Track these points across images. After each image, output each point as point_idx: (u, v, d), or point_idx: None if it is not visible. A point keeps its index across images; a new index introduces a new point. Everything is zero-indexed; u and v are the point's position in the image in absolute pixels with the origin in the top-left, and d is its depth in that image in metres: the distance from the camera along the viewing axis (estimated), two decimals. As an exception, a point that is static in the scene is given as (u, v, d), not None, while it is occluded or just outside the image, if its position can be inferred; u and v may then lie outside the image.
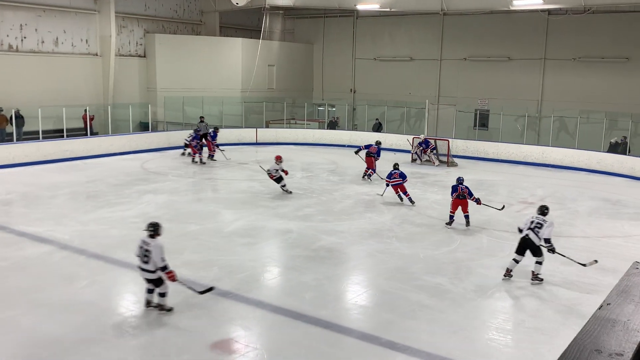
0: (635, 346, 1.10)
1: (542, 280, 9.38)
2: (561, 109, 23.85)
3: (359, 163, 18.64)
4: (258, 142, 25.72)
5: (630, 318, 1.20)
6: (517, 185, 17.94)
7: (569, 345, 1.13)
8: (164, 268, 7.66)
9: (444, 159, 21.68)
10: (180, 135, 24.30)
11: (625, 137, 21.40)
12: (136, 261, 7.92)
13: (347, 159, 21.98)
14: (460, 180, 12.71)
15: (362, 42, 30.56)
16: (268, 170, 15.55)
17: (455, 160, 21.60)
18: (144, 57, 26.72)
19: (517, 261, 9.42)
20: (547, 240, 9.24)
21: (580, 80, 24.79)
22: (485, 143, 23.54)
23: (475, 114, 26.04)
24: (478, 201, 12.74)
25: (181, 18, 28.25)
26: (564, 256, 9.65)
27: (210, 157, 20.89)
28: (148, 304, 8.02)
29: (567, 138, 23.42)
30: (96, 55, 24.69)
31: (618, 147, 21.24)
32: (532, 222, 9.39)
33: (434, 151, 21.71)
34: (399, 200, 14.69)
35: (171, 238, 11.30)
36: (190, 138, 20.51)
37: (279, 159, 15.64)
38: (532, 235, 9.26)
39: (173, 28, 27.98)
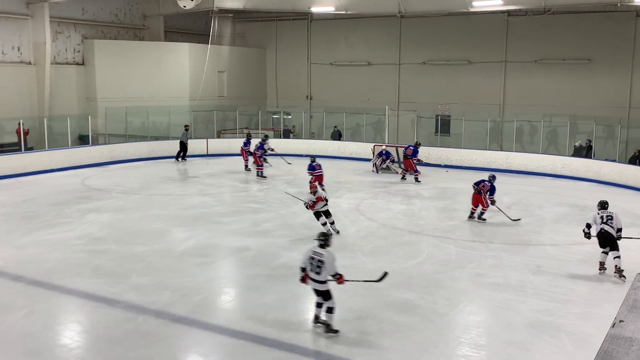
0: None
1: (624, 277, 10.17)
2: (524, 113, 24.47)
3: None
4: (209, 153, 25.45)
5: (647, 336, 1.18)
6: (483, 192, 18.22)
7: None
8: (335, 275, 7.90)
9: (393, 166, 21.88)
10: (124, 148, 23.86)
11: (589, 141, 22.08)
12: (83, 286, 7.65)
13: (306, 170, 21.93)
14: (491, 178, 14.15)
15: (318, 47, 30.71)
16: (305, 202, 12.94)
17: (418, 167, 21.82)
18: (83, 65, 26.13)
19: (606, 253, 10.48)
20: (620, 230, 10.43)
21: (542, 83, 25.50)
22: (448, 150, 23.92)
23: (437, 120, 26.46)
24: (493, 202, 13.98)
25: (122, 22, 27.78)
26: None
27: (259, 173, 20.48)
28: (316, 319, 8.13)
29: (531, 143, 24.03)
30: (30, 63, 24.00)
31: (583, 151, 21.91)
32: (601, 217, 10.53)
33: (394, 162, 21.89)
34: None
35: (117, 260, 11.05)
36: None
37: (313, 187, 13.27)
38: (607, 228, 10.37)
39: (114, 33, 27.48)
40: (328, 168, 22.30)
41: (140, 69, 26.51)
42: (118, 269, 10.59)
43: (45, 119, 22.17)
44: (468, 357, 7.51)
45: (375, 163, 21.95)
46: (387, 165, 21.71)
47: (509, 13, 25.30)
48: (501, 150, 24.00)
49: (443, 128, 26.44)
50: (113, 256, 11.33)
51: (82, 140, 24.31)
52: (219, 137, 26.89)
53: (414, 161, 20.02)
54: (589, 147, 21.91)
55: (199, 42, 28.85)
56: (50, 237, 12.65)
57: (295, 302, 9.27)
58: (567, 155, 21.89)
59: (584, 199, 17.28)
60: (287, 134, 27.67)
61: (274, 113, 30.50)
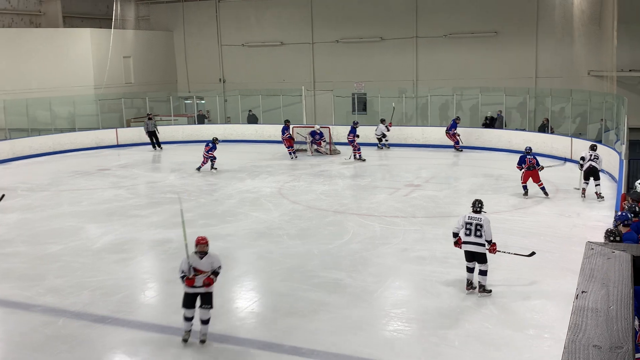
0: (630, 334, 1.12)
1: (602, 197, 13.51)
2: (436, 87, 25.15)
3: (237, 158, 18.43)
4: (119, 144, 24.58)
5: (610, 305, 1.23)
6: (401, 168, 18.68)
7: (566, 345, 1.13)
8: (490, 241, 8.42)
9: (326, 147, 22.02)
10: (27, 143, 22.66)
11: (500, 112, 23.04)
12: None
13: (223, 155, 21.67)
14: (528, 150, 14.21)
15: (228, 28, 30.21)
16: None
17: (338, 147, 22.04)
18: (-27, 55, 24.51)
19: (587, 183, 13.67)
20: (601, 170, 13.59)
21: (453, 57, 26.27)
22: (366, 128, 24.21)
23: (353, 99, 26.73)
24: (542, 167, 14.24)
25: (16, 9, 26.19)
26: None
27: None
28: (469, 284, 8.56)
29: (445, 117, 24.75)
30: None
31: (494, 122, 22.84)
32: (591, 156, 13.61)
33: (326, 142, 21.85)
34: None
35: (29, 262, 10.53)
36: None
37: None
38: (595, 164, 13.49)
39: (7, 21, 25.89)
40: (246, 152, 22.21)
41: (39, 58, 25.14)
42: (31, 271, 10.09)
43: None
44: (400, 331, 7.71)
45: (310, 144, 21.71)
46: (318, 148, 21.55)
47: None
48: (417, 125, 24.58)
49: (360, 106, 26.76)
50: (24, 258, 10.78)
51: (-21, 136, 22.87)
52: (129, 126, 26.02)
53: (452, 133, 20.63)
54: (501, 118, 22.86)
55: (101, 27, 27.69)
56: (-49, 243, 11.87)
57: (223, 292, 9.14)
58: (480, 127, 22.73)
59: (498, 169, 18.03)
60: (201, 119, 27.14)
61: (186, 98, 29.79)
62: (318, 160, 20.54)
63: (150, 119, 23.49)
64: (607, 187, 14.84)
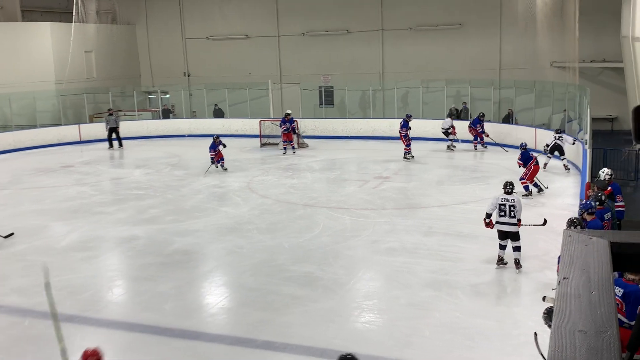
0: (613, 318, 1.13)
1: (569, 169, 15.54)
2: (403, 80, 25.29)
3: (204, 153, 18.18)
4: (82, 140, 24.12)
5: (592, 290, 1.25)
6: (370, 160, 18.75)
7: (553, 330, 1.14)
8: (519, 220, 8.93)
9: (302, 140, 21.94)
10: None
11: (465, 103, 23.29)
12: None
13: (190, 150, 21.48)
14: (524, 146, 14.27)
15: (192, 21, 29.85)
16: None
17: (306, 141, 22.01)
18: None
19: (550, 157, 15.86)
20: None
21: (418, 50, 26.44)
22: (334, 121, 24.31)
23: (320, 92, 26.73)
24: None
25: (-29, 2, 25.46)
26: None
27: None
28: (501, 260, 9.06)
29: (412, 109, 24.91)
30: None
31: (459, 114, 23.08)
32: (557, 137, 15.73)
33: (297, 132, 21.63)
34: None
35: (-8, 263, 10.26)
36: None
37: None
38: (559, 142, 15.68)
39: (-39, 14, 25.15)
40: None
41: (-3, 52, 24.50)
42: (-7, 272, 9.85)
43: None
44: (372, 322, 7.76)
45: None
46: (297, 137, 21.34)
47: (382, -19, 25.89)
48: (384, 118, 24.70)
49: (327, 99, 26.78)
50: (-14, 259, 10.52)
51: None
52: (92, 121, 25.53)
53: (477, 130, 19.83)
54: (466, 110, 23.11)
55: (61, 21, 27.08)
56: None
57: (193, 288, 9.11)
58: (445, 118, 22.92)
59: (464, 160, 18.26)
60: (166, 114, 26.82)
61: (150, 93, 29.37)
62: (288, 153, 20.40)
63: (111, 114, 22.68)
64: (571, 176, 15.16)
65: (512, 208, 8.96)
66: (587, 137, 14.81)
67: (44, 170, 18.56)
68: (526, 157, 13.89)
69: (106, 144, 22.57)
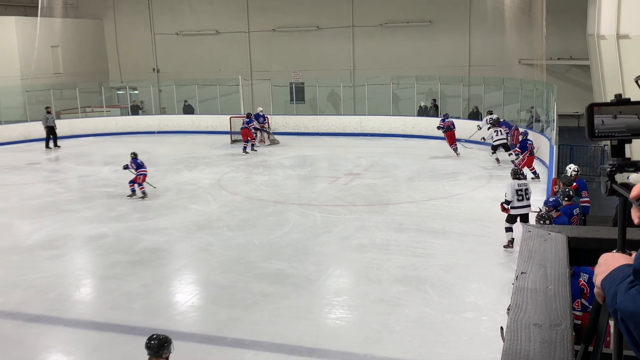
0: (567, 312, 1.16)
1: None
2: (373, 77, 25.38)
3: (174, 150, 18.11)
4: (57, 136, 23.66)
5: (548, 285, 1.28)
6: (341, 157, 18.81)
7: (509, 323, 1.16)
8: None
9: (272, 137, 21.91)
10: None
11: (434, 100, 23.48)
12: None
13: (159, 147, 21.26)
14: (525, 134, 14.84)
15: (161, 16, 29.52)
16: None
17: (277, 137, 21.97)
18: None
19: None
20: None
21: (389, 46, 26.56)
22: (305, 117, 24.29)
23: (291, 88, 26.70)
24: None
25: None
26: None
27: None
28: (512, 242, 9.48)
29: (382, 106, 25.03)
30: None
31: (429, 110, 23.27)
32: (496, 132, 16.10)
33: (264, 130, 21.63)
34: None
35: (-45, 262, 10.04)
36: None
37: None
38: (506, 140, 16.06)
39: None
40: (183, 144, 21.84)
41: (-41, 47, 23.93)
42: (-44, 272, 9.64)
43: None
44: (342, 319, 7.79)
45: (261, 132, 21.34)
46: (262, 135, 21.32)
47: (353, -23, 25.95)
48: (355, 114, 24.77)
49: (298, 96, 26.75)
50: (-52, 259, 10.29)
51: None
52: (59, 117, 25.07)
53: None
54: (435, 107, 23.30)
55: (26, 15, 26.54)
56: None
57: (161, 286, 9.04)
58: (417, 116, 23.10)
59: (434, 157, 18.41)
60: (135, 110, 26.48)
61: (119, 89, 28.97)
62: (258, 150, 20.29)
63: (49, 112, 22.05)
64: (539, 172, 15.40)
65: (526, 191, 9.68)
66: (554, 133, 15.06)
67: (9, 168, 18.19)
68: (523, 146, 14.84)
69: (74, 139, 22.19)
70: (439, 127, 18.73)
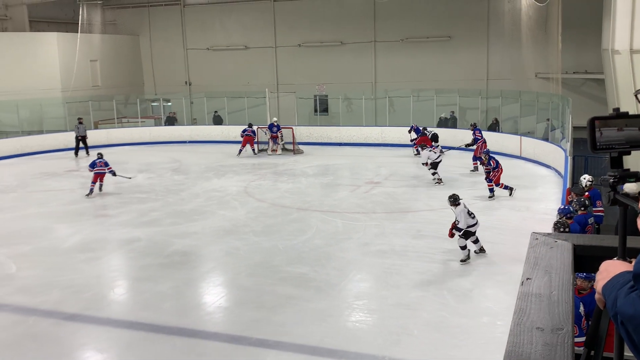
0: (570, 316, 1.16)
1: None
2: (394, 89, 25.35)
3: (204, 159, 18.27)
4: (87, 145, 24.05)
5: (552, 290, 1.27)
6: (362, 167, 18.79)
7: (512, 328, 1.16)
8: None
9: (290, 146, 22.03)
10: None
11: (453, 112, 23.38)
12: None
13: (190, 156, 21.48)
14: (488, 152, 14.33)
15: (193, 32, 29.90)
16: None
17: (301, 147, 22.05)
18: (-61, 59, 23.67)
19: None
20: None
21: (409, 61, 26.53)
22: (328, 128, 24.34)
23: (315, 100, 26.79)
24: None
25: (-19, 13, 25.44)
26: None
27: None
28: (480, 250, 9.83)
29: (402, 117, 24.97)
30: None
31: (448, 122, 23.18)
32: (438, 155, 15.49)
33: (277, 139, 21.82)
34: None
35: (-1, 263, 10.24)
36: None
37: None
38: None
39: (-28, 25, 25.12)
40: (212, 153, 22.03)
41: (6, 61, 24.45)
42: (0, 271, 9.83)
43: None
44: (362, 322, 7.77)
45: (273, 141, 21.67)
46: (276, 145, 21.54)
47: (375, -5, 25.99)
48: (376, 125, 24.74)
49: (322, 107, 26.83)
50: (-8, 259, 10.50)
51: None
52: (96, 128, 25.52)
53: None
54: (454, 118, 23.20)
55: (67, 31, 27.07)
56: None
57: (191, 288, 9.10)
58: (436, 127, 22.98)
59: (452, 166, 18.27)
60: (172, 121, 26.80)
61: (153, 101, 29.38)
62: (284, 159, 20.45)
63: (81, 123, 22.34)
64: (554, 182, 15.22)
65: (470, 211, 9.75)
66: (569, 145, 14.88)
67: (50, 174, 18.52)
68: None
69: (110, 148, 22.45)
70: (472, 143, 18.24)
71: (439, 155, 15.78)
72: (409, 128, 20.63)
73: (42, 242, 11.46)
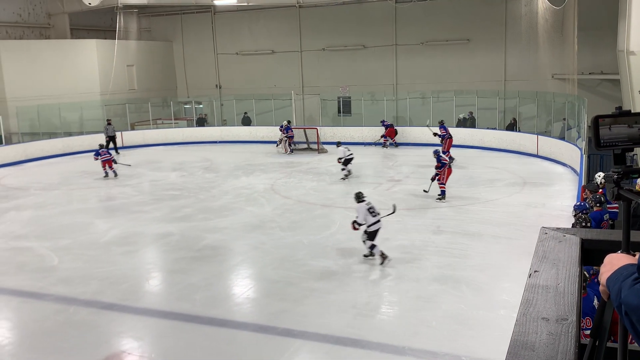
0: (575, 307, 1.16)
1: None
2: (414, 91, 25.21)
3: (233, 158, 18.42)
4: (124, 145, 24.44)
5: (559, 282, 1.27)
6: (384, 165, 18.74)
7: (518, 318, 1.16)
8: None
9: (315, 146, 22.07)
10: (38, 146, 22.52)
11: (471, 112, 23.14)
12: (8, 283, 7.20)
13: (220, 155, 21.66)
14: (437, 152, 13.71)
15: (223, 38, 30.11)
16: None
17: (325, 147, 22.05)
18: (-12, 65, 24.23)
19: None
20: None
21: (429, 63, 26.32)
22: (351, 128, 24.31)
23: (339, 102, 26.76)
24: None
25: (27, 22, 25.95)
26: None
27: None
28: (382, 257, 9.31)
29: (422, 117, 24.81)
30: None
31: (467, 122, 22.95)
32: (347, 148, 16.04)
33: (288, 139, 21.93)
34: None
35: (41, 255, 10.47)
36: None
37: None
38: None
39: (19, 33, 25.63)
40: (241, 152, 22.18)
41: (49, 67, 24.93)
42: (43, 263, 10.05)
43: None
44: (383, 313, 7.76)
45: (285, 142, 21.80)
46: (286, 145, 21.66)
47: (396, 0, 25.84)
48: (397, 125, 24.61)
49: (345, 109, 26.79)
50: (37, 252, 10.73)
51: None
52: (133, 129, 25.88)
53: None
54: (472, 118, 22.97)
55: (105, 38, 27.48)
56: (-31, 239, 11.77)
57: (221, 280, 9.19)
58: (455, 127, 22.79)
59: (472, 164, 18.13)
60: (202, 122, 27.07)
61: (185, 103, 29.66)
62: (308, 158, 20.48)
63: (109, 124, 22.76)
64: (570, 179, 14.98)
65: (374, 208, 9.41)
66: (584, 143, 14.63)
67: (90, 173, 18.84)
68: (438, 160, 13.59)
69: (146, 148, 22.82)
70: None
71: (351, 154, 16.27)
72: (435, 129, 19.99)
73: (82, 236, 11.67)
